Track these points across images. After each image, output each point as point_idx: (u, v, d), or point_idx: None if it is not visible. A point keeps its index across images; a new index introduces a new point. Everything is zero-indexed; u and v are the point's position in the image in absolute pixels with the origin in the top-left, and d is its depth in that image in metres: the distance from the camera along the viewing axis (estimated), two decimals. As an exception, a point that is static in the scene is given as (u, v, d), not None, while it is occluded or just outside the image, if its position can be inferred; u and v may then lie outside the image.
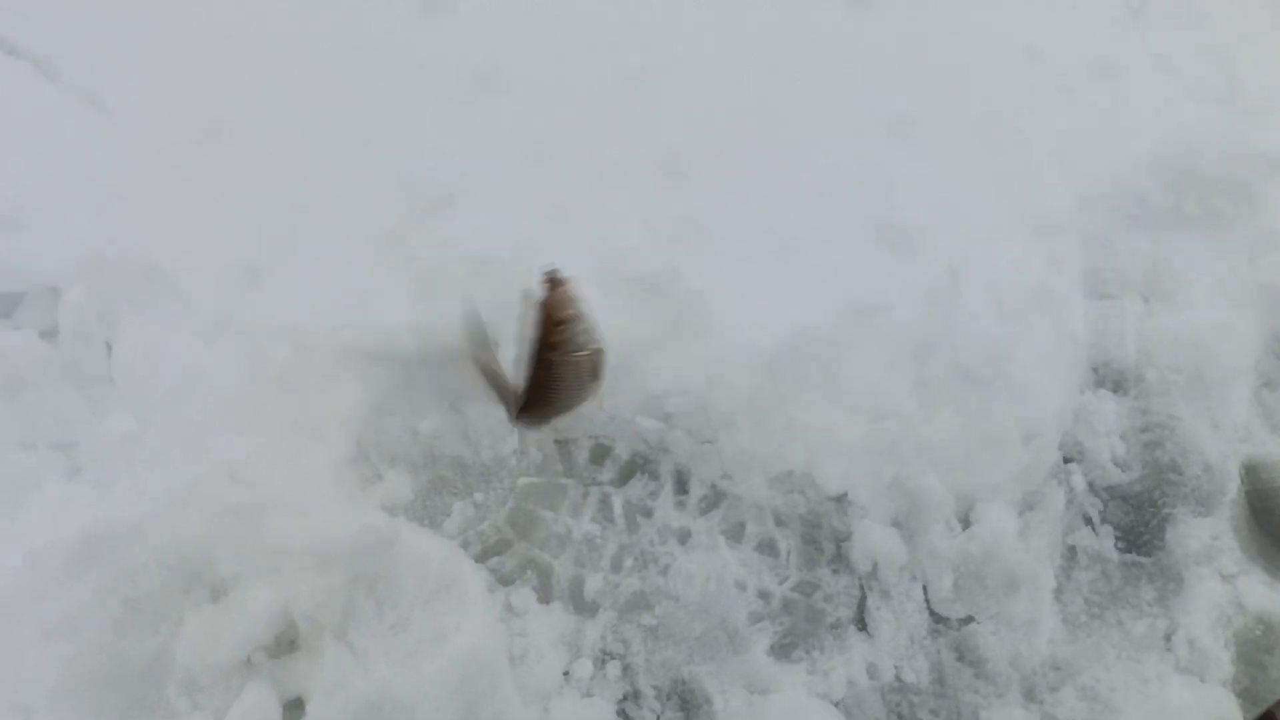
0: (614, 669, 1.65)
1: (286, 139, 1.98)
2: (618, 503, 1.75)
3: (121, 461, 1.70)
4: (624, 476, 1.78)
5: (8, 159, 1.89)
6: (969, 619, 1.72)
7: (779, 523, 1.75)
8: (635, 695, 1.66)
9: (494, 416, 1.72)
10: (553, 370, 1.38)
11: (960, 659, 1.69)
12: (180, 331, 1.80)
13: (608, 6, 2.13)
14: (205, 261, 1.85)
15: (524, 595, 1.69)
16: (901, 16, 2.16)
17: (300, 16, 2.06)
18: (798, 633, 1.70)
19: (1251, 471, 1.90)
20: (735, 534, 1.74)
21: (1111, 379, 1.89)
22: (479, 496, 1.74)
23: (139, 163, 1.92)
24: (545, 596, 1.68)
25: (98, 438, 1.70)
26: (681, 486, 1.76)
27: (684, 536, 1.74)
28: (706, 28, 2.12)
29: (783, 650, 1.69)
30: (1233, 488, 1.86)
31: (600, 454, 1.78)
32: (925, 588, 1.72)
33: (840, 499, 1.75)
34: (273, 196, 1.94)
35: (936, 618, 1.73)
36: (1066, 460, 1.83)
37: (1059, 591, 1.75)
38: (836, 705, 1.67)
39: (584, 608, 1.68)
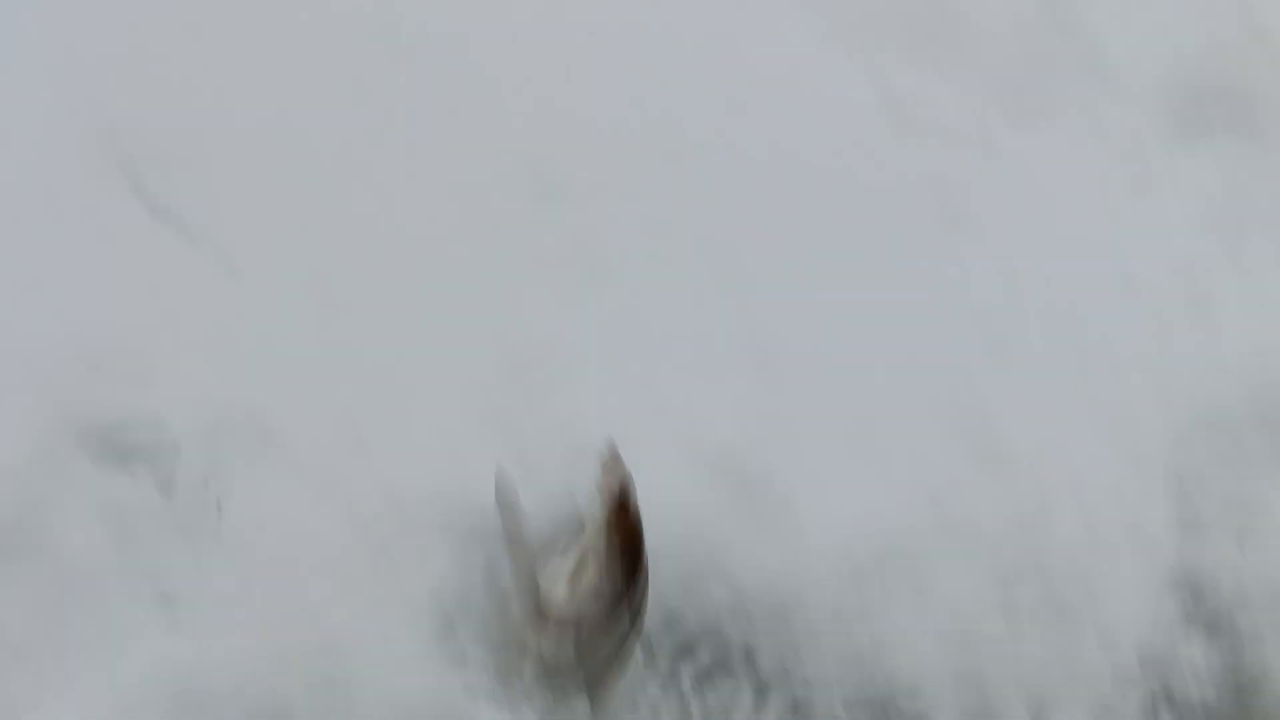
0: None
1: (402, 313, 2.08)
2: (695, 707, 1.76)
3: (221, 620, 1.76)
4: (703, 677, 1.78)
5: (142, 314, 2.01)
6: None
7: (859, 742, 1.74)
8: None
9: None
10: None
11: None
12: (288, 494, 1.88)
13: (715, 206, 2.23)
14: (317, 425, 1.94)
15: (597, 791, 1.69)
16: (999, 239, 2.23)
17: (427, 201, 2.17)
18: None
19: (1347, 727, 1.85)
20: (814, 749, 1.73)
21: (1203, 620, 1.87)
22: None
23: (262, 326, 2.02)
24: (618, 795, 1.68)
25: (200, 594, 1.76)
26: (761, 694, 1.76)
27: (761, 747, 1.73)
28: (806, 234, 2.20)
29: None
30: (1328, 743, 1.81)
31: (681, 651, 1.80)
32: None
33: (922, 722, 1.74)
34: (385, 364, 2.03)
35: None
36: (1155, 702, 1.81)
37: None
38: None
39: (655, 811, 1.68)
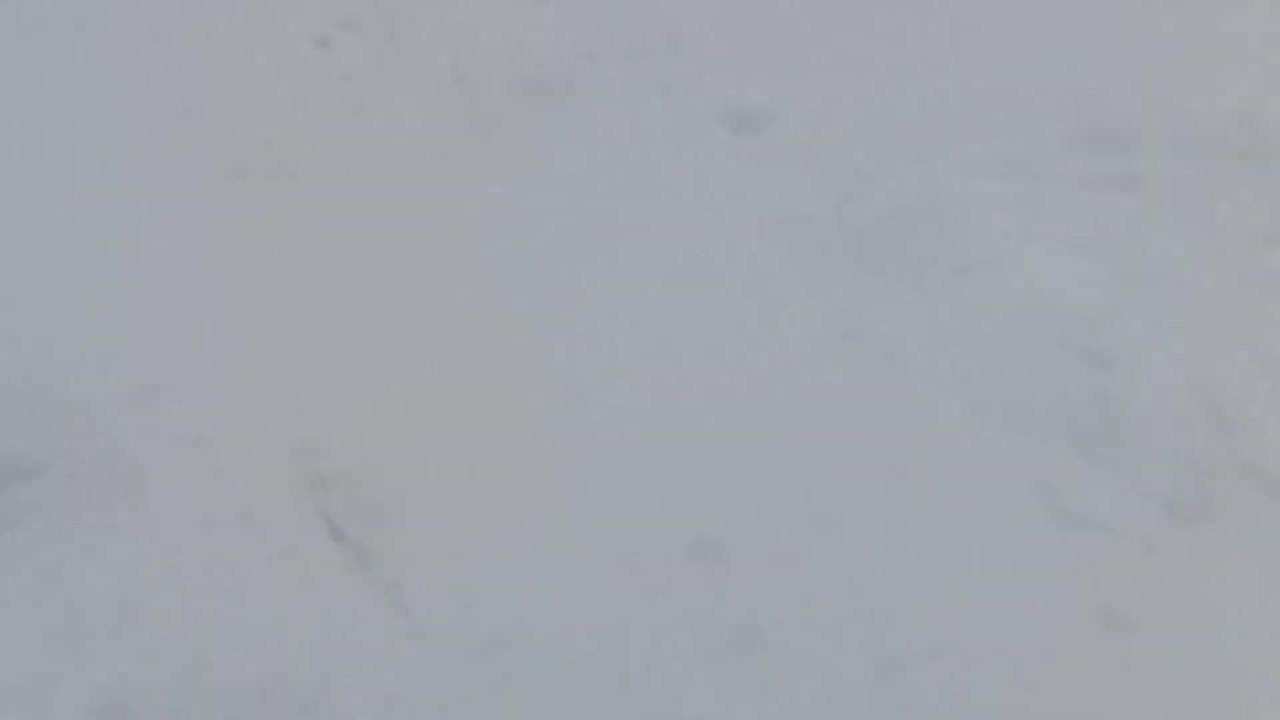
0: None
1: (556, 659, 2.14)
2: None
3: None
4: None
5: (311, 644, 2.11)
6: None
7: None
8: None
9: None
10: None
11: None
12: None
13: (869, 582, 2.26)
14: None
15: None
16: (1161, 644, 2.19)
17: (588, 549, 2.28)
18: None
19: None
20: None
21: None
22: None
23: (423, 662, 2.11)
24: None
25: None
26: None
27: None
28: (958, 620, 2.21)
29: None
30: None
31: None
32: None
33: None
34: (536, 711, 2.08)
35: None
36: None
37: None
38: None
39: None
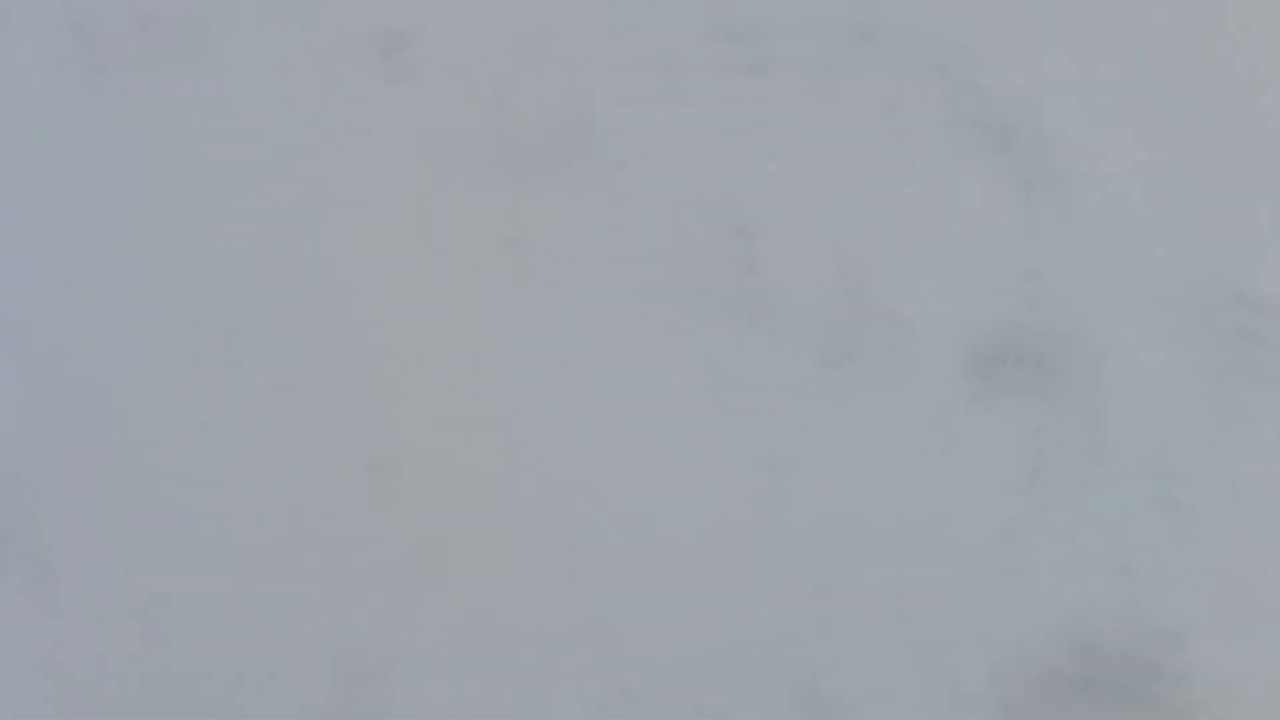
0: None
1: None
2: None
3: None
4: None
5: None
6: None
7: None
8: None
9: None
10: None
11: None
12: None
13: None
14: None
15: None
16: (817, 475, 2.35)
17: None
18: None
19: None
20: None
21: None
22: None
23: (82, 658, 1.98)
24: None
25: None
26: None
27: None
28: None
29: None
30: None
31: None
32: None
33: None
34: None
35: None
36: None
37: None
38: None
39: None
